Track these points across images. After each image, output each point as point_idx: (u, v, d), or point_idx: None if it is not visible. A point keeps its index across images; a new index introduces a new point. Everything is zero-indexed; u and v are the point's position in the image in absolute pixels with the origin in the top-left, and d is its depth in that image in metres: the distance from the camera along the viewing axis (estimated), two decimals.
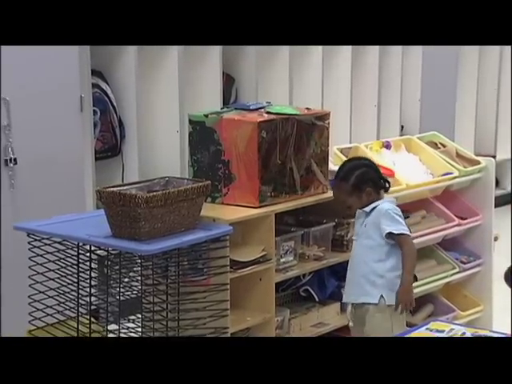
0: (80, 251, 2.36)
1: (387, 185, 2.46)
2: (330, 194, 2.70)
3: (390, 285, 2.34)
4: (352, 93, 3.95)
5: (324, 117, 2.70)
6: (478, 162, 3.25)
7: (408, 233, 2.36)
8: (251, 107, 2.65)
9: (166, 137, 3.18)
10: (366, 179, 2.41)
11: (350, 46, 3.87)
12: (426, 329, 1.96)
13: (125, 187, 2.35)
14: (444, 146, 3.34)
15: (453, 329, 1.94)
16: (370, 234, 2.34)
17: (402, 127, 4.35)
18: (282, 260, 2.60)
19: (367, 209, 2.37)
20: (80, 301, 2.36)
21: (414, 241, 3.01)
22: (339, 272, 2.80)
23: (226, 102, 3.41)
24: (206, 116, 2.58)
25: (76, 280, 2.35)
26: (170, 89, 3.16)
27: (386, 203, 2.39)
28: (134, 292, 2.35)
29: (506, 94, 4.90)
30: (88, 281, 2.36)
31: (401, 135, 4.04)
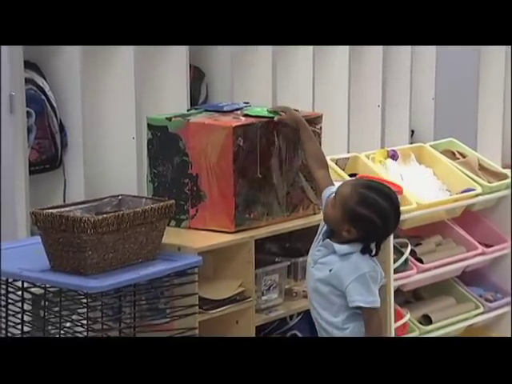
0: (9, 289, 2.36)
1: (373, 253, 2.27)
2: (321, 215, 2.73)
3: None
4: (350, 91, 4.00)
5: (315, 120, 2.74)
6: (506, 176, 3.31)
7: (378, 305, 2.26)
8: (225, 108, 2.69)
9: (120, 145, 3.20)
10: (361, 224, 2.22)
11: None
12: None
13: (67, 208, 2.36)
14: (464, 155, 3.39)
15: None
16: (332, 284, 2.25)
17: (413, 132, 4.40)
18: (263, 298, 2.62)
19: (338, 249, 2.25)
20: None
21: (428, 273, 3.08)
22: None
23: (193, 101, 3.44)
24: (169, 119, 2.61)
25: (4, 326, 2.35)
26: (125, 85, 3.18)
27: (363, 258, 2.25)
28: None
29: None
30: (19, 326, 2.36)
31: (411, 142, 4.09)
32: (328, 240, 2.29)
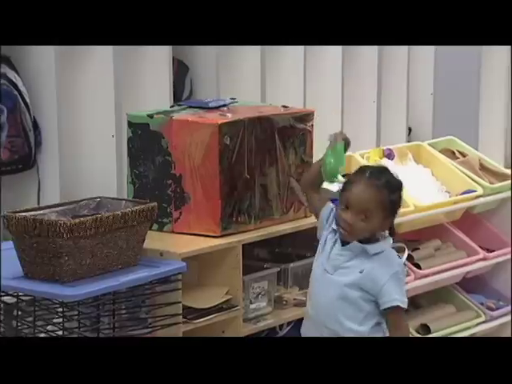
0: None
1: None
2: (314, 218, 2.74)
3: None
4: (344, 87, 4.01)
5: (306, 117, 2.75)
6: (509, 177, 3.32)
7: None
8: (210, 105, 2.69)
9: (98, 144, 3.19)
10: (398, 207, 2.32)
11: None
12: None
13: (41, 211, 2.36)
14: (464, 155, 3.41)
15: None
16: (363, 286, 2.25)
17: (410, 130, 4.42)
18: (251, 306, 2.62)
19: (370, 249, 2.27)
20: None
21: (426, 280, 3.09)
22: None
23: (177, 97, 3.44)
24: (151, 116, 2.61)
25: None
26: (103, 80, 3.17)
27: (393, 251, 2.31)
28: None
29: None
30: None
31: (408, 141, 4.11)
32: (355, 243, 2.27)
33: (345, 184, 2.31)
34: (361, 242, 2.28)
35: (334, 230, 2.32)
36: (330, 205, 2.37)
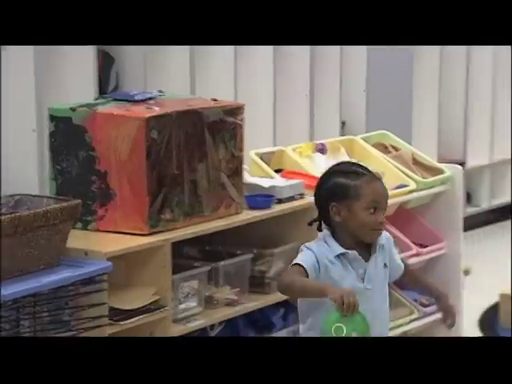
0: None
1: None
2: (245, 215, 2.73)
3: None
4: (276, 86, 4.02)
5: (236, 111, 2.73)
6: (442, 171, 3.36)
7: None
8: (136, 98, 2.65)
9: (17, 139, 3.14)
10: None
11: None
12: None
13: None
14: (397, 149, 3.44)
15: None
16: (387, 276, 2.23)
17: (343, 124, 4.45)
18: (181, 306, 2.60)
19: (383, 238, 2.22)
20: None
21: None
22: (260, 321, 2.83)
23: (102, 90, 3.39)
24: (74, 110, 2.56)
25: None
26: (22, 71, 3.12)
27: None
28: None
29: (477, 83, 5.11)
30: None
31: (342, 135, 4.13)
32: (378, 244, 2.22)
33: (354, 189, 2.17)
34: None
35: (339, 255, 2.18)
36: (308, 254, 2.16)
